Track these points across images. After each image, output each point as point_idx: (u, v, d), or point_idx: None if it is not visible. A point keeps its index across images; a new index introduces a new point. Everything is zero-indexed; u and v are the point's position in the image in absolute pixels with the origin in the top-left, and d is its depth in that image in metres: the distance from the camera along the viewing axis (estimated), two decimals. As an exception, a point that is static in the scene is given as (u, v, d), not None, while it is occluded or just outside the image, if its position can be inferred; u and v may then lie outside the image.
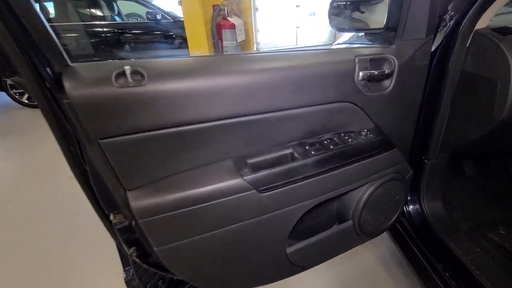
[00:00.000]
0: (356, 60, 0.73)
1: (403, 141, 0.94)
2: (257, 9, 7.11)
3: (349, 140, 0.78)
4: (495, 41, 0.78)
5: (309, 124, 0.75)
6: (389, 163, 0.83)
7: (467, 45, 0.86)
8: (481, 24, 0.84)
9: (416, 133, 0.99)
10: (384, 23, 0.80)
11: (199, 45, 2.51)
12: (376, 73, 0.75)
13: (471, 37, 0.84)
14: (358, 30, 0.98)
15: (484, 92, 0.83)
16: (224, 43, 2.61)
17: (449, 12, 0.85)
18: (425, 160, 1.05)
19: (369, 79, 0.76)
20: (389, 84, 0.78)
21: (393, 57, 0.77)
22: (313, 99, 0.71)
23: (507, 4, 1.27)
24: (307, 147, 0.75)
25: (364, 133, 0.79)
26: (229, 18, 2.60)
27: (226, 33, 2.60)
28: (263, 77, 0.64)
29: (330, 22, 0.96)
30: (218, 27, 2.58)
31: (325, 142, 0.76)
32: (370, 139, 0.79)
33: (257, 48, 7.59)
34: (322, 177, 0.72)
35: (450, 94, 0.91)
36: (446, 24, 0.86)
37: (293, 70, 0.68)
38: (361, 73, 0.73)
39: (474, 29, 0.84)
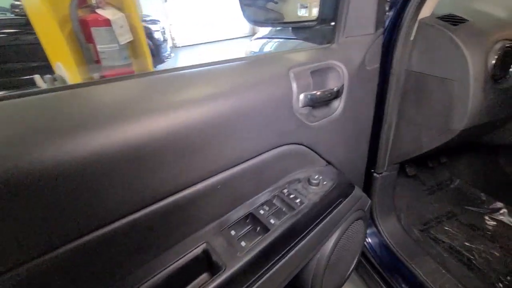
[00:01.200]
0: (291, 74, 0.46)
1: (357, 166, 0.75)
2: (165, 0, 6.39)
3: (298, 201, 0.51)
4: (447, 33, 0.62)
5: (234, 191, 0.46)
6: (349, 207, 0.61)
7: (412, 39, 0.69)
8: (425, 11, 0.67)
9: (369, 147, 0.82)
10: (317, 13, 0.56)
11: (58, 54, 1.63)
12: (321, 93, 0.50)
13: (415, 28, 0.68)
14: (282, 23, 0.72)
15: (438, 97, 0.67)
16: (99, 47, 1.73)
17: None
18: (375, 174, 0.89)
19: (313, 103, 0.51)
20: (338, 104, 0.55)
21: (339, 63, 0.52)
22: (230, 157, 0.42)
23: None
24: (232, 239, 0.45)
25: (315, 180, 0.54)
26: (99, 11, 1.70)
27: (98, 33, 1.68)
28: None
29: (243, 13, 0.67)
30: (84, 25, 1.66)
31: (262, 218, 0.47)
32: (325, 190, 0.54)
33: (173, 44, 6.92)
34: (265, 279, 0.43)
35: (397, 100, 0.75)
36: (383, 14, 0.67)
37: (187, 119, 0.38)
38: (301, 97, 0.47)
39: (418, 18, 0.67)
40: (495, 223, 1.14)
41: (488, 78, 0.61)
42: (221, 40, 7.07)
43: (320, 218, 0.51)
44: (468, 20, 0.65)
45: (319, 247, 0.56)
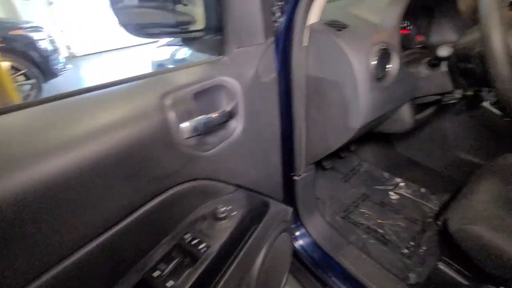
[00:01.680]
0: (166, 102, 0.39)
1: (272, 176, 0.73)
2: (51, 3, 5.42)
3: (202, 246, 0.44)
4: (333, 38, 0.66)
5: (120, 254, 0.36)
6: (267, 227, 0.57)
7: (306, 44, 0.71)
8: (314, 17, 0.69)
9: (282, 153, 0.82)
10: (203, 21, 0.50)
11: None
12: (210, 118, 0.44)
13: (307, 34, 0.69)
14: (160, 33, 0.64)
15: (335, 99, 0.71)
16: None
17: (278, 4, 0.66)
18: (295, 177, 0.91)
19: (203, 130, 0.44)
20: (235, 124, 0.50)
21: (230, 79, 0.48)
22: (103, 218, 0.34)
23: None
24: None
25: (222, 214, 0.48)
26: None
27: None
28: None
29: (118, 20, 0.56)
30: None
31: (157, 284, 0.39)
32: (235, 222, 0.49)
33: (69, 54, 5.95)
34: None
35: (302, 105, 0.76)
36: (276, 20, 0.67)
37: None
38: (184, 126, 0.40)
39: (308, 24, 0.69)
40: (398, 196, 1.32)
41: (372, 78, 0.67)
42: (129, 47, 6.45)
43: (234, 254, 0.45)
44: (349, 26, 0.70)
45: (244, 275, 0.51)
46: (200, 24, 0.51)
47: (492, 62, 0.56)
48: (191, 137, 0.42)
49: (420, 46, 0.99)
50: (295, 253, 0.95)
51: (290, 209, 0.76)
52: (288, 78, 0.73)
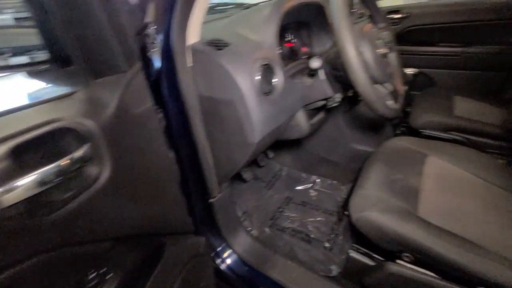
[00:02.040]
0: None
1: (177, 210, 0.68)
2: None
3: None
4: (213, 57, 0.65)
5: None
6: (169, 267, 0.51)
7: (191, 65, 0.69)
8: (194, 37, 0.68)
9: (192, 179, 0.78)
10: (49, 50, 0.42)
11: None
12: (47, 170, 0.36)
13: (190, 54, 0.67)
14: None
15: (229, 116, 0.71)
16: None
17: (151, 25, 0.62)
18: (211, 200, 0.87)
19: (36, 190, 0.36)
20: (96, 170, 0.43)
21: (80, 119, 0.40)
22: None
23: (212, 12, 1.32)
24: None
25: (90, 281, 0.40)
26: None
27: None
28: None
29: None
30: None
31: None
32: (116, 283, 0.42)
33: None
34: None
35: (201, 125, 0.74)
36: (153, 43, 0.63)
37: None
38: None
39: (188, 44, 0.67)
40: (316, 193, 1.42)
41: (259, 93, 0.69)
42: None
43: None
44: (231, 44, 0.71)
45: None
46: (44, 54, 0.42)
47: (350, 69, 0.65)
48: (14, 205, 0.33)
49: (306, 56, 1.10)
50: (223, 276, 0.91)
51: (202, 239, 0.72)
52: (180, 100, 0.69)
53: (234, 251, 0.93)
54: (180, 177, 0.80)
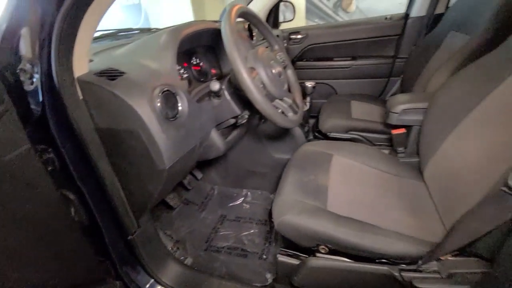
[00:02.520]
0: None
1: (76, 264, 0.61)
2: None
3: None
4: (106, 88, 0.63)
5: None
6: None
7: (82, 98, 0.64)
8: (81, 69, 0.64)
9: (93, 229, 0.72)
10: None
11: None
12: None
13: (78, 87, 0.63)
14: None
15: (135, 146, 0.68)
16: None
17: (26, 59, 0.56)
18: (130, 237, 0.81)
19: None
20: None
21: None
22: None
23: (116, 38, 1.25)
24: None
25: None
26: None
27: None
28: None
29: None
30: None
31: None
32: None
33: None
34: None
35: (104, 159, 0.69)
36: (31, 77, 0.57)
37: None
38: None
39: (76, 77, 0.63)
40: (248, 206, 1.45)
41: (163, 119, 0.69)
42: None
43: None
44: (126, 73, 0.69)
45: None
46: None
47: (246, 90, 0.71)
48: None
49: (216, 78, 1.15)
50: None
51: (116, 284, 0.66)
52: (75, 136, 0.64)
53: (164, 286, 0.88)
54: (87, 220, 0.73)
